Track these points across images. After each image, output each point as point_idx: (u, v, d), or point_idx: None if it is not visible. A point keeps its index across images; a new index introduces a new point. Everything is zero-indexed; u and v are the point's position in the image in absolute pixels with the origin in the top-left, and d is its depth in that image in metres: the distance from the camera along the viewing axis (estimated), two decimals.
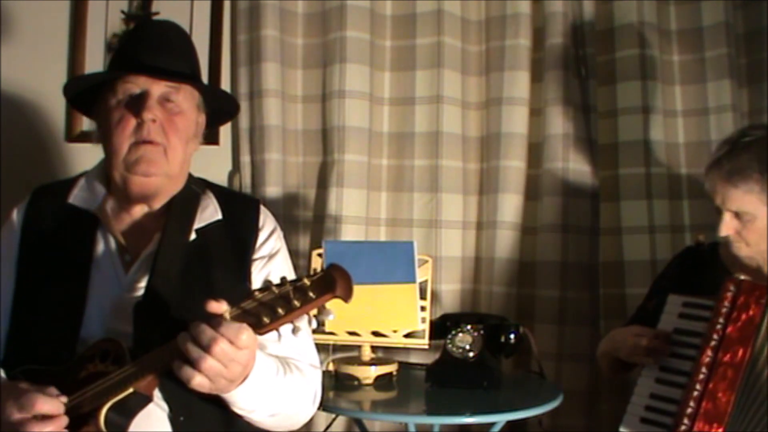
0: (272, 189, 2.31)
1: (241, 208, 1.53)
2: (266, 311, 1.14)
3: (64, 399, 1.20)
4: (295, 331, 1.15)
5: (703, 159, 2.26)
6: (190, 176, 1.54)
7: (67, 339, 1.33)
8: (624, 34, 2.32)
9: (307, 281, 1.14)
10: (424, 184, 2.35)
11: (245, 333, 1.14)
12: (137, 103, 1.39)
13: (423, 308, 1.98)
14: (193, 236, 1.44)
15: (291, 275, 1.45)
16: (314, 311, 1.14)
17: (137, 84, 1.40)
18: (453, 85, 2.35)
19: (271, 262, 1.49)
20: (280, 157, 2.33)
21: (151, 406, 1.25)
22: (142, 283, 1.36)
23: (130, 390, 1.20)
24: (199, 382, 1.15)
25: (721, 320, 1.50)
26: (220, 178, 2.36)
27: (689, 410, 1.46)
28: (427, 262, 2.02)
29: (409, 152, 2.37)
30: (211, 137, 2.15)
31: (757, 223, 1.58)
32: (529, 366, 2.14)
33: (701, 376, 1.48)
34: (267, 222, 1.54)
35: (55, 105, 2.37)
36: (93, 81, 1.48)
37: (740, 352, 1.47)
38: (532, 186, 2.35)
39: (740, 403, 1.46)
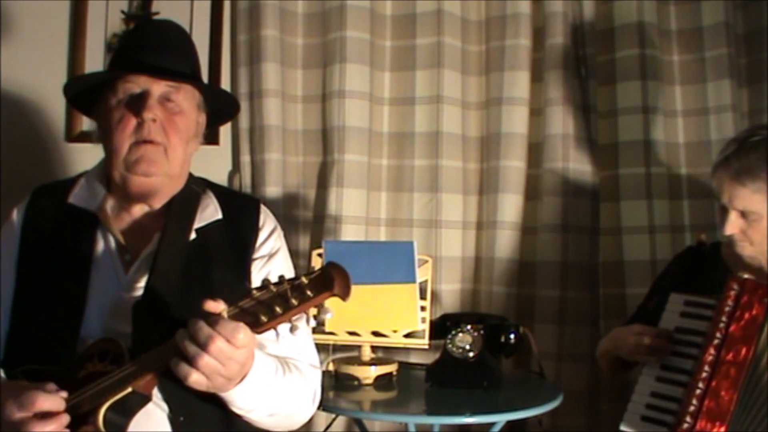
0: (272, 189, 2.31)
1: (242, 208, 1.53)
2: (264, 310, 1.14)
3: (64, 394, 1.20)
4: (293, 329, 1.15)
5: (703, 159, 2.28)
6: (191, 176, 1.54)
7: (66, 338, 1.33)
8: (624, 34, 2.32)
9: (304, 279, 1.14)
10: (424, 184, 2.35)
11: (242, 332, 1.14)
12: (137, 103, 1.39)
13: (423, 308, 1.98)
14: (193, 236, 1.44)
15: (291, 275, 1.44)
16: (313, 310, 1.14)
17: (138, 83, 1.40)
18: (453, 85, 2.35)
19: (271, 262, 1.49)
20: (280, 157, 2.33)
21: (150, 406, 1.25)
22: (142, 283, 1.36)
23: (129, 389, 1.20)
24: (196, 379, 1.15)
25: (724, 319, 1.50)
26: (220, 178, 2.36)
27: (692, 408, 1.46)
28: (427, 262, 2.02)
29: (409, 152, 2.37)
30: (211, 137, 2.15)
31: (763, 223, 1.59)
32: (529, 366, 2.14)
33: (704, 375, 1.48)
34: (267, 221, 1.54)
35: (55, 105, 2.37)
36: (93, 81, 1.48)
37: (743, 351, 1.47)
38: (532, 186, 2.35)
39: (743, 401, 1.46)
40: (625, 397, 1.61)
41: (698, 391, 1.47)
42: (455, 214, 2.35)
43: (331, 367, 1.97)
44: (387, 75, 2.41)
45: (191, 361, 1.14)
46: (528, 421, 2.18)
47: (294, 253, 1.61)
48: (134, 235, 1.44)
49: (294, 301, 1.13)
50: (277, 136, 2.32)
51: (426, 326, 1.97)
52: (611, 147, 2.33)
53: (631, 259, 2.27)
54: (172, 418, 1.30)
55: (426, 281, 2.01)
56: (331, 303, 1.15)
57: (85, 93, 1.48)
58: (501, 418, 1.77)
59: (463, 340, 1.92)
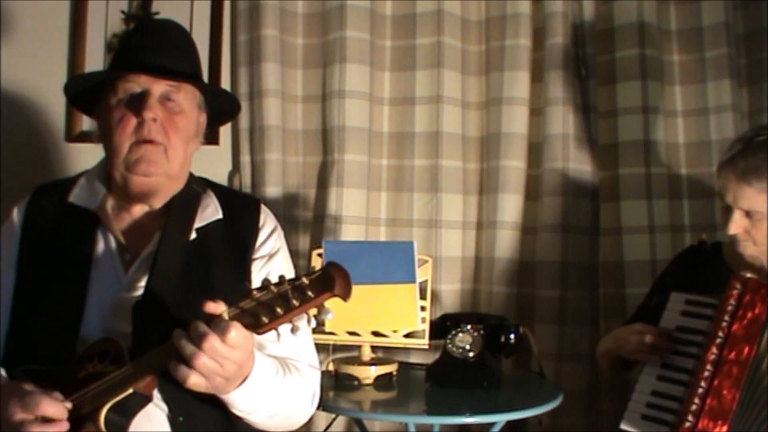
0: (272, 189, 2.31)
1: (242, 208, 1.53)
2: (265, 311, 1.14)
3: (68, 404, 1.20)
4: (294, 330, 1.15)
5: (703, 159, 2.28)
6: (191, 176, 1.54)
7: (66, 338, 1.33)
8: (624, 34, 2.32)
9: (305, 280, 1.13)
10: (424, 184, 2.35)
11: (233, 330, 1.13)
12: (138, 102, 1.39)
13: (423, 308, 1.97)
14: (193, 235, 1.44)
15: (291, 275, 1.44)
16: (313, 310, 1.14)
17: (138, 83, 1.40)
18: (453, 85, 2.35)
19: (271, 262, 1.49)
20: (280, 157, 2.33)
21: (150, 407, 1.25)
22: (142, 283, 1.36)
23: (130, 390, 1.20)
24: (194, 381, 1.15)
25: (726, 318, 1.50)
26: (220, 178, 2.36)
27: (694, 407, 1.46)
28: (427, 262, 2.02)
29: (409, 152, 2.37)
30: (211, 137, 2.14)
31: (767, 223, 1.59)
32: (529, 366, 2.14)
33: (706, 373, 1.48)
34: (267, 221, 1.54)
35: (55, 105, 2.37)
36: (94, 80, 1.48)
37: (746, 350, 1.47)
38: (532, 186, 2.35)
39: (745, 401, 1.46)
40: (625, 396, 1.62)
41: (700, 390, 1.47)
42: (455, 214, 2.35)
43: (331, 367, 1.97)
44: (387, 75, 2.41)
45: (188, 361, 1.14)
46: (528, 421, 2.18)
47: (294, 253, 1.61)
48: (134, 235, 1.44)
49: (295, 302, 1.12)
50: (277, 136, 2.32)
51: (426, 326, 1.97)
52: (611, 147, 2.33)
53: (631, 259, 2.27)
54: (172, 419, 1.30)
55: (426, 281, 2.01)
56: (331, 303, 1.15)
57: (86, 92, 1.48)
58: (501, 418, 1.77)
59: (463, 340, 1.92)
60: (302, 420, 1.45)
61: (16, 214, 1.47)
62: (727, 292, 1.52)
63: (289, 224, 2.29)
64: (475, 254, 2.39)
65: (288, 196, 2.35)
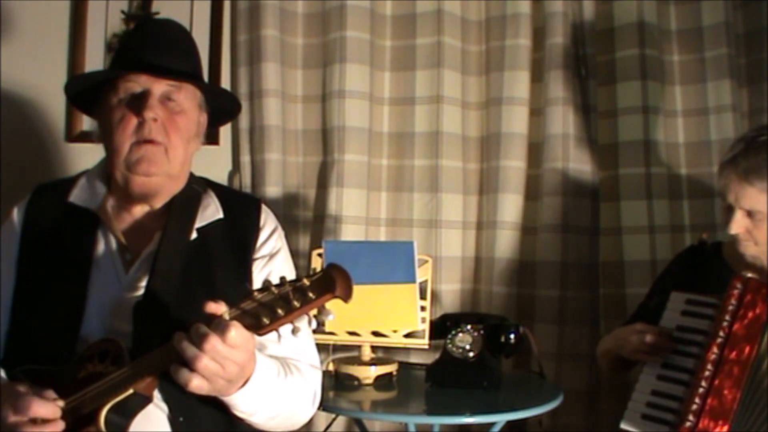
0: (272, 189, 2.31)
1: (243, 208, 1.53)
2: (265, 312, 1.14)
3: (60, 403, 1.20)
4: (294, 331, 1.14)
5: (703, 159, 2.28)
6: (192, 175, 1.53)
7: (67, 338, 1.33)
8: (624, 34, 2.32)
9: (306, 281, 1.13)
10: (424, 184, 2.35)
11: (233, 330, 1.12)
12: (138, 102, 1.39)
13: (423, 308, 1.97)
14: (194, 235, 1.44)
15: (292, 275, 1.45)
16: (314, 311, 1.14)
17: (138, 83, 1.40)
18: (453, 85, 2.35)
19: (272, 262, 1.49)
20: (280, 157, 2.33)
21: (150, 407, 1.25)
22: (143, 283, 1.36)
23: (130, 391, 1.20)
24: (197, 384, 1.15)
25: (727, 317, 1.50)
26: (220, 178, 2.36)
27: (694, 406, 1.47)
28: (427, 262, 2.02)
29: (409, 152, 2.37)
30: (211, 137, 2.15)
31: None
32: (529, 366, 2.14)
33: (707, 373, 1.48)
34: (268, 221, 1.54)
35: (55, 105, 2.37)
36: (94, 80, 1.48)
37: (746, 350, 1.47)
38: (532, 186, 2.35)
39: (746, 401, 1.46)
40: (625, 396, 1.62)
41: (701, 390, 1.47)
42: (455, 214, 2.35)
43: (331, 367, 1.97)
44: (387, 75, 2.41)
45: (190, 364, 1.13)
46: (528, 421, 2.18)
47: (294, 253, 1.61)
48: (135, 235, 1.44)
49: (296, 303, 1.12)
50: (277, 136, 2.32)
51: (426, 326, 1.97)
52: (611, 147, 2.34)
53: (631, 259, 2.28)
54: (172, 419, 1.30)
55: (426, 281, 2.00)
56: (332, 303, 1.14)
57: (86, 92, 1.47)
58: (501, 418, 1.77)
59: (463, 340, 1.92)
60: (303, 420, 1.45)
61: (16, 214, 1.47)
62: (728, 292, 1.52)
63: (289, 224, 2.29)
64: (475, 254, 2.40)
65: (288, 196, 2.35)
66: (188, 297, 1.34)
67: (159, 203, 1.47)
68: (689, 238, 2.27)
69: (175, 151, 1.42)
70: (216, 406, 1.27)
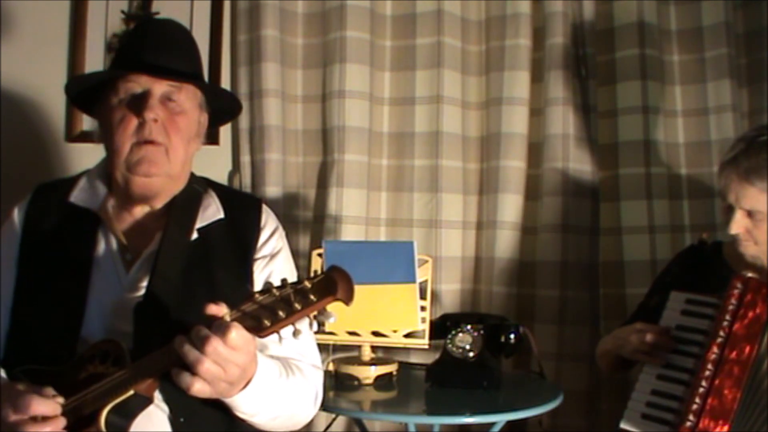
0: (272, 189, 2.31)
1: (243, 208, 1.53)
2: (266, 314, 1.14)
3: (60, 400, 1.20)
4: (295, 333, 1.14)
5: (703, 159, 2.28)
6: (192, 175, 1.53)
7: (67, 338, 1.33)
8: (624, 34, 2.32)
9: (308, 284, 1.13)
10: (424, 184, 2.35)
11: (234, 331, 1.12)
12: (139, 103, 1.38)
13: (423, 308, 1.98)
14: (194, 235, 1.44)
15: (293, 275, 1.45)
16: (315, 313, 1.14)
17: (139, 83, 1.40)
18: (453, 85, 2.35)
19: (273, 262, 1.49)
20: (280, 157, 2.33)
21: (151, 407, 1.25)
22: (143, 283, 1.36)
23: (131, 392, 1.20)
24: (199, 388, 1.14)
25: (727, 317, 1.50)
26: (221, 178, 2.35)
27: (695, 406, 1.46)
28: (427, 262, 2.02)
29: (409, 152, 2.37)
30: (211, 137, 2.15)
31: None
32: (529, 366, 2.14)
33: (707, 373, 1.48)
34: (269, 221, 1.53)
35: (55, 105, 2.37)
36: (95, 80, 1.48)
37: (747, 350, 1.47)
38: (532, 186, 2.35)
39: (746, 401, 1.46)
40: (625, 396, 1.61)
41: (701, 389, 1.47)
42: (455, 214, 2.35)
43: (331, 367, 1.97)
44: (387, 75, 2.41)
45: (192, 368, 1.13)
46: (528, 421, 2.18)
47: (294, 253, 1.61)
48: (135, 235, 1.44)
49: (297, 306, 1.12)
50: (277, 136, 2.32)
51: (426, 326, 1.97)
52: (611, 147, 2.34)
53: (631, 259, 2.28)
54: (173, 419, 1.30)
55: (426, 281, 2.01)
56: (332, 305, 1.14)
57: (87, 92, 1.47)
58: (501, 418, 1.77)
59: (463, 340, 1.92)
60: (305, 420, 1.45)
61: (16, 214, 1.47)
62: (729, 292, 1.52)
63: (289, 224, 2.28)
64: (475, 254, 2.40)
65: (288, 196, 2.35)
66: (189, 297, 1.34)
67: (159, 203, 1.46)
68: (689, 238, 2.27)
69: (176, 151, 1.42)
70: (217, 406, 1.27)
